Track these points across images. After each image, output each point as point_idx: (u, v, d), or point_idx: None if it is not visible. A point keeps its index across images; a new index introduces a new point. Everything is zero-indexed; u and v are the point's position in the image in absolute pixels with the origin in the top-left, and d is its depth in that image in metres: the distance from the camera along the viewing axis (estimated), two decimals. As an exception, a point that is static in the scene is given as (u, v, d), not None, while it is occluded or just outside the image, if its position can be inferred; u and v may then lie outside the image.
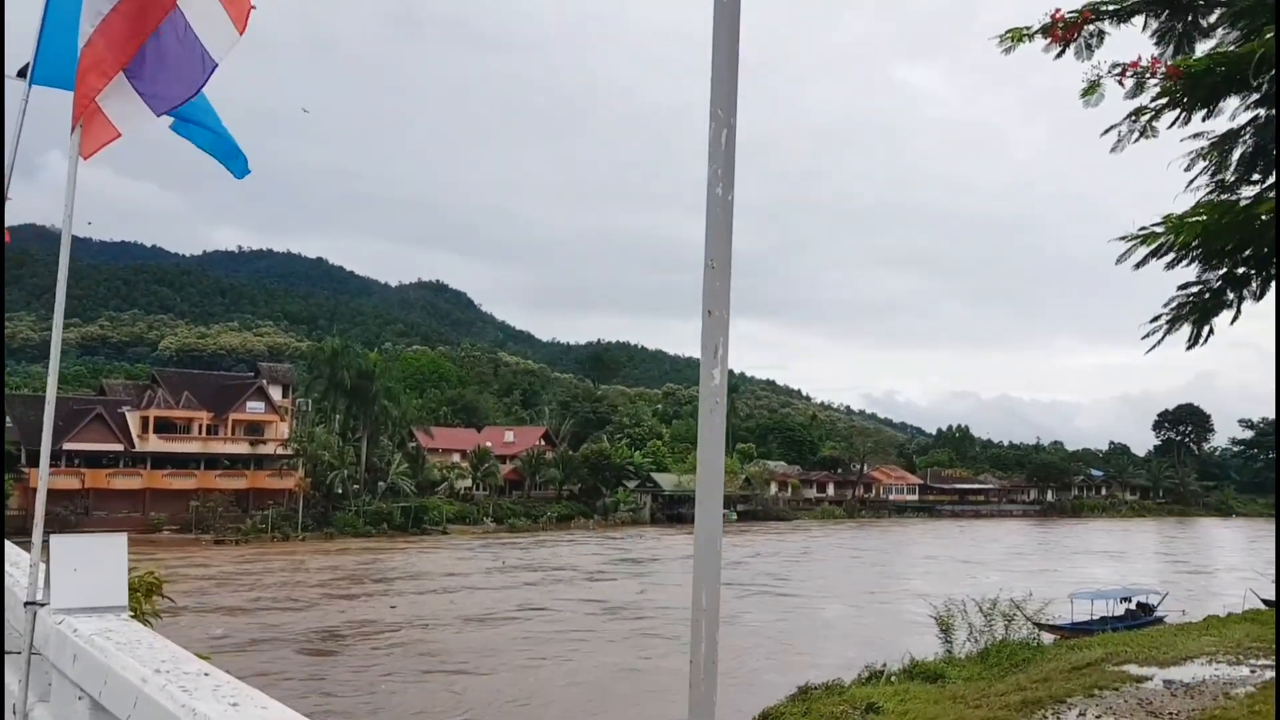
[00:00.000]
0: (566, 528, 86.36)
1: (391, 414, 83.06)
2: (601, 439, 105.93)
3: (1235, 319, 11.01)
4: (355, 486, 75.85)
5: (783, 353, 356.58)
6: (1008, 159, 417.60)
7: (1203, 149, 9.57)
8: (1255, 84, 7.63)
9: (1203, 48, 9.48)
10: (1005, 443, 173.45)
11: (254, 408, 78.11)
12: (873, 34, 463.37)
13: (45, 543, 3.12)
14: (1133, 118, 9.60)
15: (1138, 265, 10.04)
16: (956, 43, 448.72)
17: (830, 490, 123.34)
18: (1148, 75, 8.57)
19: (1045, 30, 9.24)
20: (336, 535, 70.65)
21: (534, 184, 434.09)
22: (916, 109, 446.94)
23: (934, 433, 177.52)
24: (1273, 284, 10.93)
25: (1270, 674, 15.69)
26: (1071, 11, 9.03)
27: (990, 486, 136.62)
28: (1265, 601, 36.49)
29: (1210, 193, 9.68)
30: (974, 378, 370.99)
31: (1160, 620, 32.36)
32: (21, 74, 4.54)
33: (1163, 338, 11.26)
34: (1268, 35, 7.35)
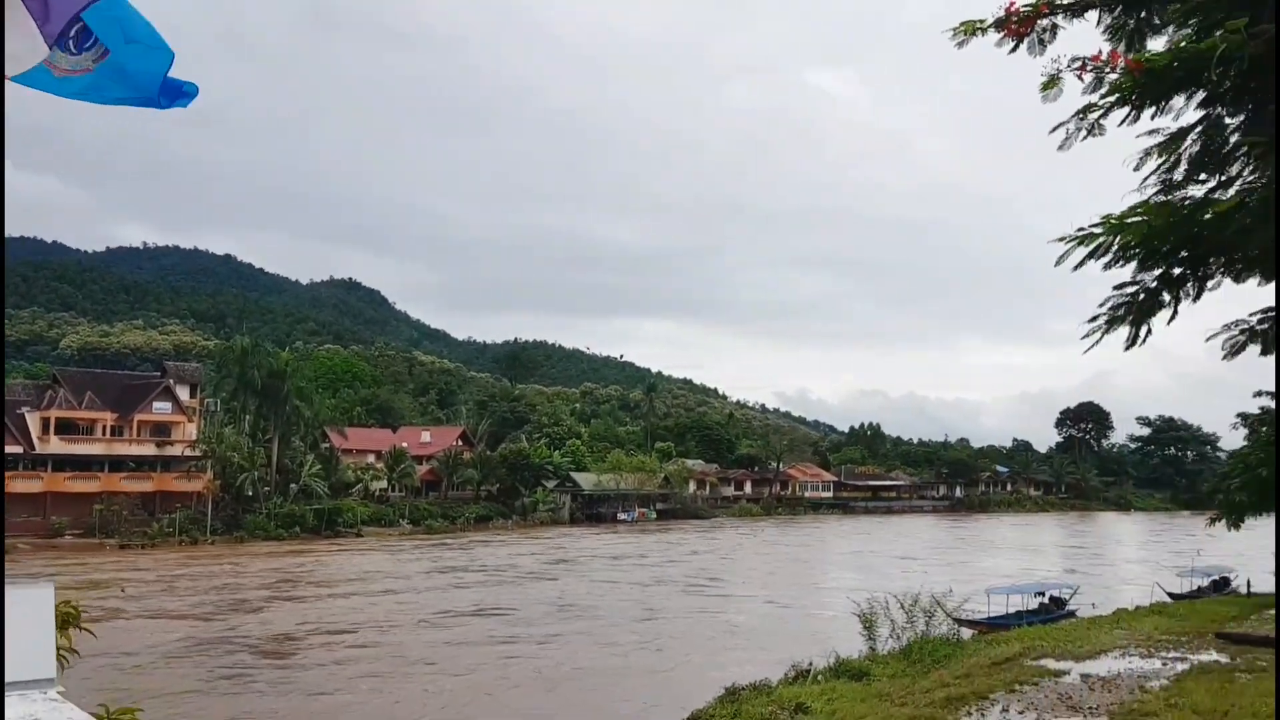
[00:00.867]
0: (485, 528, 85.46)
1: (304, 414, 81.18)
2: (520, 439, 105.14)
3: (1172, 319, 11.16)
4: (266, 489, 73.78)
5: (699, 352, 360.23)
6: (916, 163, 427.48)
7: (1149, 148, 9.61)
8: (1214, 80, 7.63)
9: (1153, 45, 9.55)
10: (915, 440, 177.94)
11: (160, 408, 76.07)
12: (787, 35, 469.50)
13: None
14: (1080, 115, 9.60)
15: (1076, 267, 10.06)
16: (869, 48, 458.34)
17: (748, 488, 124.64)
18: (1107, 69, 8.54)
19: (999, 24, 9.18)
20: (247, 539, 68.74)
21: (450, 182, 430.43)
22: (833, 112, 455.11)
23: (846, 430, 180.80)
24: (1207, 285, 11.12)
25: (1181, 667, 16.13)
26: (1026, 5, 8.99)
27: (902, 483, 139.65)
28: (1171, 595, 37.95)
29: (1158, 192, 9.73)
30: (883, 376, 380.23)
31: (1072, 614, 33.29)
32: None
33: (1100, 338, 11.37)
34: (1225, 30, 7.35)
